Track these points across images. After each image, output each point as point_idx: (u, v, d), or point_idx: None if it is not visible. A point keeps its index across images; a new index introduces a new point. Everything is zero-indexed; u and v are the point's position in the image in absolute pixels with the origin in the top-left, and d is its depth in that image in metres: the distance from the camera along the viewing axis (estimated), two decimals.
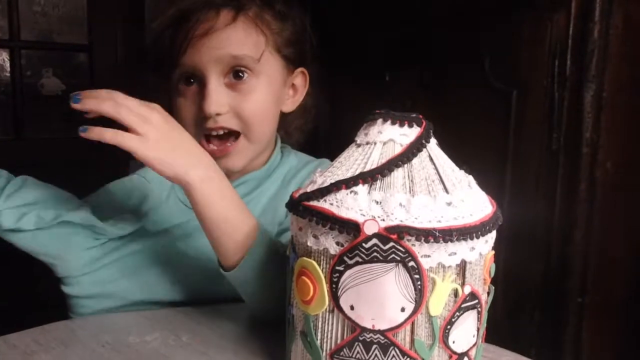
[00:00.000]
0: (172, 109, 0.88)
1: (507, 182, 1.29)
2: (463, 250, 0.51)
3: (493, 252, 0.56)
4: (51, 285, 0.86)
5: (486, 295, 0.56)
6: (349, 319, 0.52)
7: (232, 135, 0.85)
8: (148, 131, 0.66)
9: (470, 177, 0.58)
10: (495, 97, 1.33)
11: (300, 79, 0.94)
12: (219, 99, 0.82)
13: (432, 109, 1.49)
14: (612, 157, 1.17)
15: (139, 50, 2.25)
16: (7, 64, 2.22)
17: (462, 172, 0.58)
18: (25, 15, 2.21)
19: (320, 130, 1.60)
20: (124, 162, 1.96)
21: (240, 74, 0.83)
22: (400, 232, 0.48)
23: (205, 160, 0.70)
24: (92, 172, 2.16)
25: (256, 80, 0.84)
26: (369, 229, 0.49)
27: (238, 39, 0.83)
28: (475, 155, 1.31)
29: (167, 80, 0.87)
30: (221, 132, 0.84)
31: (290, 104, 0.93)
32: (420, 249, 0.49)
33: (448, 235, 0.49)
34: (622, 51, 1.16)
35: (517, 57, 1.28)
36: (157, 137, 0.66)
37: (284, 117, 0.93)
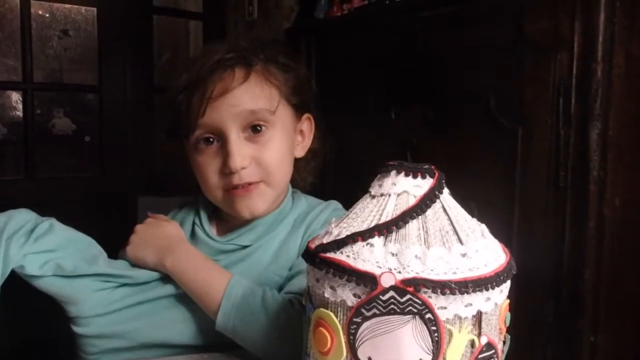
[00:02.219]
0: (191, 167, 0.91)
1: (515, 220, 1.30)
2: (479, 301, 0.52)
3: (508, 301, 0.57)
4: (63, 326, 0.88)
5: (502, 344, 0.57)
6: None
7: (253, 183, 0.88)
8: (132, 239, 0.88)
9: (483, 226, 0.59)
10: (501, 135, 1.34)
11: (307, 125, 0.97)
12: (241, 152, 0.85)
13: (437, 147, 1.51)
14: (620, 194, 1.18)
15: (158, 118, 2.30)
16: (20, 105, 2.26)
17: (475, 220, 0.59)
18: (38, 58, 2.27)
19: (327, 167, 1.61)
20: (133, 200, 1.98)
21: (259, 128, 0.87)
22: (416, 284, 0.49)
23: (173, 244, 0.86)
24: (102, 211, 2.19)
25: (273, 131, 0.88)
26: (386, 282, 0.50)
27: (254, 94, 0.86)
28: (482, 193, 1.33)
29: (185, 142, 0.90)
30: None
31: (301, 149, 0.97)
32: (436, 301, 0.50)
33: (464, 286, 0.50)
34: (625, 89, 1.17)
35: (521, 95, 1.29)
36: (137, 242, 0.88)
37: (296, 162, 0.95)
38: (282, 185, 0.91)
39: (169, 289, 0.84)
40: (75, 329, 0.84)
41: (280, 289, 0.83)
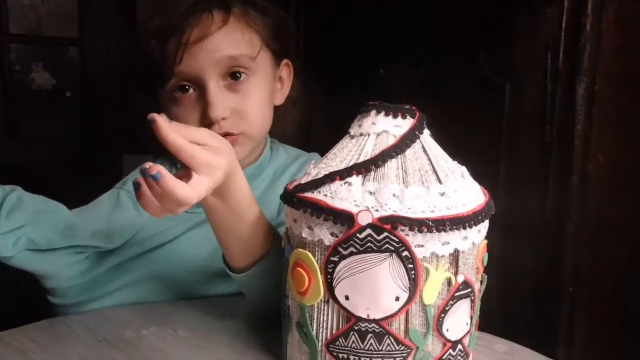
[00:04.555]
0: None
1: (501, 174, 1.30)
2: (456, 240, 0.51)
3: (486, 241, 0.57)
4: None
5: (479, 284, 0.57)
6: (345, 309, 0.52)
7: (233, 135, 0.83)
8: (228, 150, 0.61)
9: (464, 168, 0.58)
10: (490, 91, 1.33)
11: (286, 72, 0.93)
12: (222, 103, 0.80)
13: (427, 103, 1.48)
14: (604, 150, 1.18)
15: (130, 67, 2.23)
16: None
17: (456, 163, 0.58)
18: (14, 9, 2.19)
19: (313, 124, 1.60)
20: (118, 156, 1.94)
21: (238, 75, 0.82)
22: (394, 222, 0.49)
23: (238, 167, 0.65)
24: (86, 169, 2.16)
25: (254, 79, 0.83)
26: (363, 220, 0.49)
27: (234, 39, 0.81)
28: (469, 148, 1.30)
29: (160, 91, 0.84)
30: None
31: (280, 97, 0.93)
32: (414, 239, 0.50)
33: (441, 225, 0.49)
34: (614, 46, 1.16)
35: (511, 51, 1.28)
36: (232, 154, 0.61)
37: (275, 111, 0.91)
38: (261, 135, 0.88)
39: (142, 248, 0.83)
40: (52, 299, 0.83)
41: None
